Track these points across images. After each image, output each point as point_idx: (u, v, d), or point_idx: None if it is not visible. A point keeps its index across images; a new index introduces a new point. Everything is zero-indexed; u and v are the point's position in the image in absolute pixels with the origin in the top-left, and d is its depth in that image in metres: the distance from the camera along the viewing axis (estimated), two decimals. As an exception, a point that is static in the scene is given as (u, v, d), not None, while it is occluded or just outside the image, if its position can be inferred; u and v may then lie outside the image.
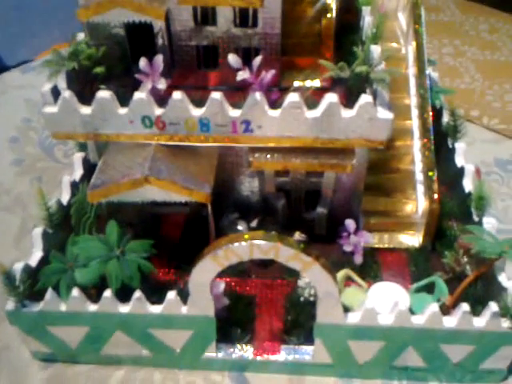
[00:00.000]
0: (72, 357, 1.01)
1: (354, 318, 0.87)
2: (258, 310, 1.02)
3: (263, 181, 1.10)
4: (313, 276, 0.80)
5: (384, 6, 1.24)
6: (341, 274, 0.99)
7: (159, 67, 0.96)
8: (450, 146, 1.24)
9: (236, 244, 0.77)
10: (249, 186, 1.13)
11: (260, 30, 1.01)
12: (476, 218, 1.06)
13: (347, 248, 1.06)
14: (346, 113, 0.95)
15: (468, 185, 1.14)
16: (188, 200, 0.97)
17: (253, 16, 1.01)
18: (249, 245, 0.76)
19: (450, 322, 0.88)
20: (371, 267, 1.08)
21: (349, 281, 1.02)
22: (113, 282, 0.90)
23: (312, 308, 0.91)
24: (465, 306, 0.87)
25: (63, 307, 0.91)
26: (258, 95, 0.94)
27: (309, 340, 0.95)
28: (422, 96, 1.17)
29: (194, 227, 1.13)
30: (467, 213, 1.11)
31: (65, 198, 1.10)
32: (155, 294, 0.94)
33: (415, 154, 1.18)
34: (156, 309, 0.90)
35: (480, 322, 0.88)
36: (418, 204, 1.14)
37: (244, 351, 0.96)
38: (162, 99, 0.98)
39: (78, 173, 1.17)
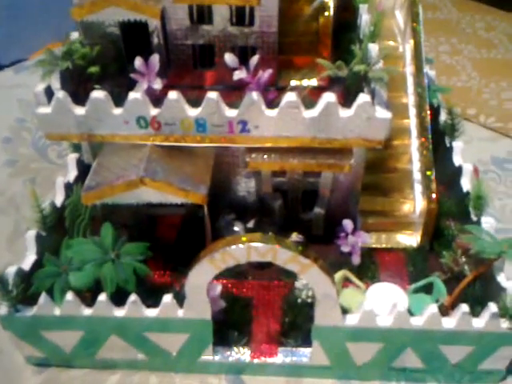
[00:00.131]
0: (66, 361, 1.00)
1: (352, 320, 0.87)
2: (254, 312, 1.01)
3: (260, 181, 1.09)
4: (311, 278, 0.79)
5: (382, 3, 1.22)
6: (338, 275, 0.99)
7: (155, 67, 0.95)
8: (448, 145, 1.23)
9: (233, 247, 0.76)
10: (245, 187, 1.12)
11: (257, 28, 1.00)
12: (474, 218, 1.06)
13: (345, 248, 1.06)
14: (344, 112, 0.94)
15: (466, 184, 1.13)
16: (184, 201, 0.96)
17: (249, 14, 1.00)
18: (246, 247, 0.75)
19: (449, 323, 0.88)
20: (369, 268, 1.07)
21: (347, 282, 1.02)
22: (108, 285, 0.89)
23: (310, 310, 0.90)
24: (464, 307, 0.86)
25: (57, 312, 0.89)
26: (254, 95, 0.93)
27: (306, 342, 0.94)
28: (419, 95, 1.17)
29: (190, 228, 1.12)
30: (465, 212, 1.10)
31: (59, 199, 1.08)
32: (151, 297, 0.93)
33: (413, 153, 1.18)
34: (152, 312, 0.89)
35: (479, 323, 0.87)
36: (415, 203, 1.13)
37: (241, 354, 0.95)
38: (157, 99, 0.96)
39: (72, 174, 1.15)
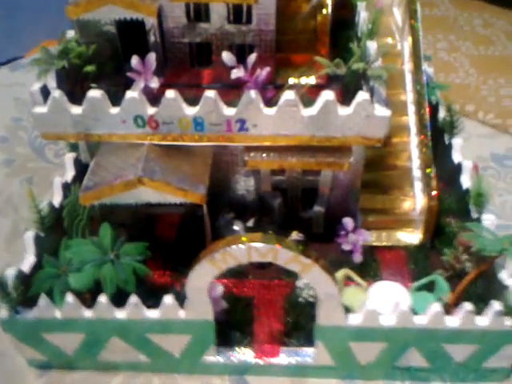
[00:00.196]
0: (69, 364, 0.99)
1: (355, 320, 0.86)
2: (256, 312, 1.00)
3: (259, 180, 1.08)
4: (312, 278, 0.78)
5: (380, 1, 1.22)
6: (340, 274, 0.98)
7: (152, 65, 0.94)
8: (447, 142, 1.22)
9: (233, 247, 0.75)
10: (244, 185, 1.11)
11: (254, 26, 1.00)
12: (475, 215, 1.05)
13: (346, 247, 1.05)
14: (343, 110, 0.93)
15: (466, 181, 1.13)
16: (183, 201, 0.95)
17: (247, 12, 0.99)
18: (247, 248, 0.75)
19: (453, 321, 0.87)
20: (370, 266, 1.06)
21: (348, 280, 1.01)
22: (107, 286, 0.88)
23: (312, 309, 0.89)
24: (467, 306, 0.85)
25: (58, 314, 0.89)
26: (252, 93, 0.92)
27: (309, 341, 0.93)
28: (418, 92, 1.16)
29: (190, 227, 1.11)
30: (465, 209, 1.09)
31: (56, 199, 1.07)
32: (151, 298, 0.92)
33: (412, 151, 1.17)
34: (153, 314, 0.88)
35: (483, 322, 0.87)
36: (415, 201, 1.13)
37: (244, 354, 0.95)
38: (154, 98, 0.96)
39: (70, 174, 1.14)
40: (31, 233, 0.97)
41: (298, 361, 0.94)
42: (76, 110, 0.94)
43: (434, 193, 1.04)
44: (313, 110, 0.93)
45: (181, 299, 0.88)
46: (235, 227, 1.08)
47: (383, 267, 1.07)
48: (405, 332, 0.87)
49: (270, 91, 0.98)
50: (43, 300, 0.87)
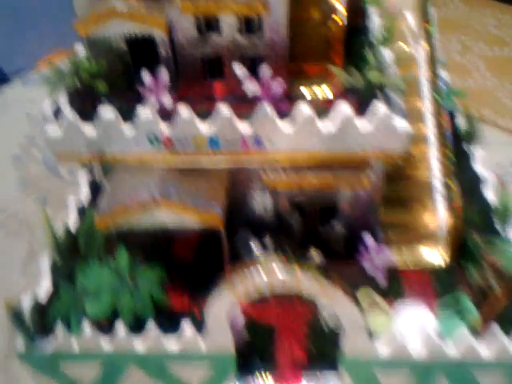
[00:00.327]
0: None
1: (382, 350, 0.83)
2: (277, 337, 0.97)
3: (276, 197, 1.06)
4: (337, 306, 0.75)
5: (394, 5, 1.19)
6: (362, 296, 0.95)
7: (164, 82, 0.92)
8: (466, 151, 1.19)
9: (254, 275, 0.72)
10: (261, 203, 1.09)
11: (266, 37, 0.97)
12: (500, 230, 1.01)
13: (367, 266, 1.01)
14: (362, 125, 0.90)
15: (489, 193, 1.10)
16: (200, 224, 0.93)
17: (258, 23, 0.97)
18: (267, 275, 0.72)
19: (484, 350, 0.83)
20: (392, 285, 1.02)
21: (371, 302, 0.98)
22: (125, 315, 0.86)
23: (334, 334, 0.87)
24: (498, 332, 0.82)
25: (75, 344, 0.87)
26: (267, 108, 0.90)
27: (332, 367, 0.90)
28: (436, 100, 1.13)
29: (207, 246, 1.08)
30: (489, 223, 1.06)
31: (71, 221, 1.05)
32: (169, 323, 0.90)
33: (431, 161, 1.14)
34: (172, 344, 0.86)
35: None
36: (437, 215, 1.09)
37: (265, 381, 0.92)
38: (168, 114, 0.94)
39: (84, 193, 1.12)
40: (46, 258, 0.95)
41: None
42: (89, 130, 0.92)
43: (458, 208, 1.00)
44: (330, 126, 0.90)
45: (199, 324, 0.86)
46: (252, 246, 1.05)
47: (406, 286, 1.03)
48: (434, 361, 0.84)
49: (284, 104, 0.95)
50: (60, 329, 0.85)
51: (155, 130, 0.92)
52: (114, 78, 0.98)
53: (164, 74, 0.92)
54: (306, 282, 0.73)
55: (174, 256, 1.11)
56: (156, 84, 0.92)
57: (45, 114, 0.93)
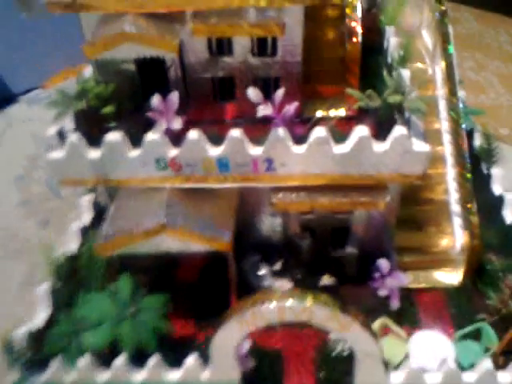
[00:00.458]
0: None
1: (397, 380, 0.78)
2: (285, 366, 0.92)
3: (287, 220, 1.02)
4: (351, 336, 0.71)
5: (409, 24, 1.16)
6: (377, 324, 0.91)
7: (174, 105, 0.89)
8: (485, 172, 1.15)
9: (264, 306, 0.69)
10: (270, 226, 1.05)
11: (280, 58, 0.95)
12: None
13: (382, 292, 0.97)
14: (379, 146, 0.87)
15: (508, 215, 1.06)
16: (207, 250, 0.89)
17: (272, 44, 0.94)
18: (278, 307, 0.68)
19: (505, 378, 0.79)
20: (408, 310, 0.99)
21: (386, 328, 0.93)
22: (126, 347, 0.82)
23: (346, 363, 0.82)
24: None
25: (72, 378, 0.83)
26: (280, 131, 0.87)
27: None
28: (454, 120, 1.09)
29: (213, 270, 1.05)
30: (507, 245, 1.02)
31: (73, 247, 1.02)
32: (173, 352, 0.86)
33: (449, 183, 1.10)
34: (175, 375, 0.82)
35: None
36: (454, 238, 1.05)
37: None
38: (177, 137, 0.91)
39: (87, 217, 1.09)
40: (45, 286, 0.92)
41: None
42: (94, 154, 0.90)
43: (476, 231, 0.97)
44: (346, 147, 0.87)
45: (204, 353, 0.82)
46: (261, 271, 1.02)
47: (422, 312, 0.99)
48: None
49: (299, 127, 0.92)
50: (56, 363, 0.81)
51: (163, 153, 0.89)
52: (122, 100, 0.95)
53: (173, 97, 0.89)
54: (320, 314, 0.69)
55: (178, 279, 1.08)
56: (165, 106, 0.90)
57: (49, 139, 0.90)
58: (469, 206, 1.01)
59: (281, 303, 0.68)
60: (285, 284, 0.99)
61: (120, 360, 0.81)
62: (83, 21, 0.91)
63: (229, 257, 0.93)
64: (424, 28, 1.30)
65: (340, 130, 0.92)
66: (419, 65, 1.25)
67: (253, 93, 0.89)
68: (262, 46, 0.94)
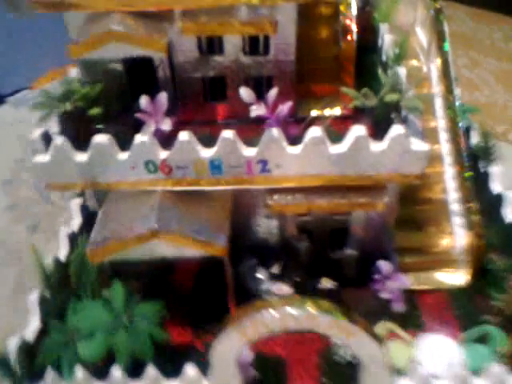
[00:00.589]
0: None
1: (403, 385, 0.76)
2: (288, 371, 0.89)
3: (283, 222, 0.99)
4: (356, 344, 0.68)
5: (404, 21, 1.14)
6: (381, 328, 0.88)
7: (163, 106, 0.86)
8: (482, 170, 1.13)
9: (265, 314, 0.65)
10: (267, 228, 1.03)
11: (272, 57, 0.92)
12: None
13: (384, 295, 0.94)
14: (376, 146, 0.84)
15: (508, 213, 1.03)
16: (202, 255, 0.86)
17: (264, 43, 0.92)
18: (280, 314, 0.65)
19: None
20: (411, 313, 0.96)
21: (391, 333, 0.90)
22: (121, 357, 0.78)
23: (350, 367, 0.79)
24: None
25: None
26: (274, 132, 0.84)
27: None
28: (451, 118, 1.07)
29: (209, 274, 1.01)
30: (509, 243, 1.00)
31: (62, 253, 0.99)
32: (171, 363, 0.83)
33: (447, 182, 1.07)
34: (173, 385, 0.79)
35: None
36: (455, 238, 1.03)
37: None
38: (167, 139, 0.88)
39: (76, 222, 1.06)
40: (35, 294, 0.89)
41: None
42: (81, 157, 0.87)
43: (480, 231, 0.94)
44: (343, 147, 0.85)
45: (203, 362, 0.79)
46: (259, 275, 0.99)
47: (425, 314, 0.96)
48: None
49: (293, 127, 0.89)
50: (50, 374, 0.78)
51: (153, 155, 0.86)
52: (109, 101, 0.92)
53: (162, 97, 0.86)
54: (322, 321, 0.66)
55: (173, 284, 1.04)
56: (154, 107, 0.87)
57: (34, 143, 0.86)
58: (471, 205, 0.98)
59: (282, 311, 0.65)
60: (283, 288, 0.96)
61: (116, 371, 0.78)
62: (67, 19, 0.87)
63: (225, 261, 0.89)
64: (418, 25, 1.28)
65: (335, 130, 0.90)
66: (414, 62, 1.23)
67: (245, 92, 0.86)
68: (254, 45, 0.92)
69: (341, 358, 0.87)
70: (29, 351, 0.82)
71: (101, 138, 0.85)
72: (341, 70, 0.96)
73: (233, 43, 0.90)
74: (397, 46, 0.99)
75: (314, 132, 0.84)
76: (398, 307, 0.95)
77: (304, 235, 1.00)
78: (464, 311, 0.96)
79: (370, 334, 0.67)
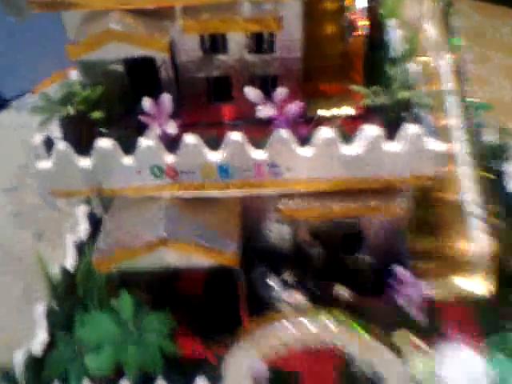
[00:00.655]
0: None
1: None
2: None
3: (295, 227, 0.96)
4: (376, 358, 0.65)
5: (411, 17, 1.10)
6: (399, 339, 0.84)
7: (167, 108, 0.83)
8: (496, 168, 1.10)
9: (279, 326, 0.62)
10: (278, 233, 0.99)
11: (278, 55, 0.89)
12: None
13: (402, 303, 0.90)
14: (391, 147, 0.81)
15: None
16: (212, 264, 0.83)
17: (269, 40, 0.89)
18: (296, 327, 0.62)
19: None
20: (430, 322, 0.91)
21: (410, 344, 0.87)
22: (130, 370, 0.75)
23: (370, 381, 0.76)
24: None
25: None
26: (284, 133, 0.81)
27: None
28: (464, 116, 1.03)
29: (219, 280, 0.97)
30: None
31: (69, 262, 0.96)
32: (182, 376, 0.79)
33: (462, 182, 1.04)
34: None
35: None
36: (472, 241, 0.99)
37: None
38: (172, 142, 0.85)
39: (83, 229, 1.03)
40: (42, 306, 0.86)
41: None
42: (85, 162, 0.84)
43: (497, 232, 0.91)
44: (356, 148, 0.81)
45: (214, 375, 0.76)
46: (270, 282, 0.95)
47: (446, 323, 0.92)
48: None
49: (303, 128, 0.86)
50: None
51: (158, 160, 0.83)
52: (111, 104, 0.89)
53: (166, 99, 0.83)
54: (340, 335, 0.63)
55: (182, 292, 1.00)
56: (158, 109, 0.84)
57: (35, 148, 0.83)
58: (487, 205, 0.95)
59: (297, 323, 0.62)
60: (295, 295, 0.93)
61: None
62: (65, 19, 0.84)
63: (237, 271, 0.86)
64: (425, 20, 1.24)
65: (345, 130, 0.86)
66: (422, 58, 1.19)
67: (251, 92, 0.83)
68: (259, 43, 0.89)
69: (359, 373, 0.83)
70: (35, 364, 0.80)
71: (104, 142, 0.82)
72: (349, 67, 0.93)
73: (237, 41, 0.87)
74: (407, 41, 0.96)
75: (326, 133, 0.80)
76: (417, 316, 0.90)
77: (316, 240, 0.97)
78: (487, 320, 0.92)
79: (389, 347, 0.64)
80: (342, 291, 0.93)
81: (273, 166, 0.83)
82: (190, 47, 0.88)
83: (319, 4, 0.97)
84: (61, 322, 0.87)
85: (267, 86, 0.90)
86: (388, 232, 0.96)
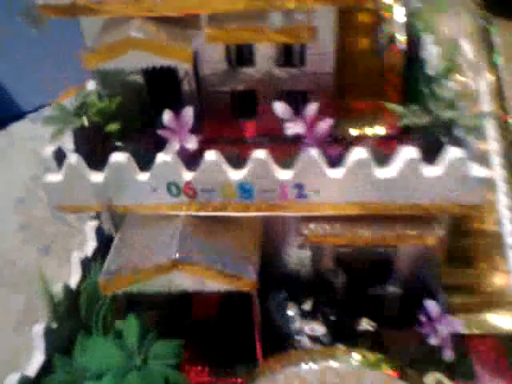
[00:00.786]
0: None
1: None
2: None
3: (318, 253, 0.89)
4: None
5: (447, 33, 1.05)
6: (430, 380, 0.77)
7: (188, 122, 0.77)
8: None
9: (303, 367, 0.55)
10: (299, 259, 0.93)
11: (308, 69, 0.84)
12: None
13: (431, 340, 0.83)
14: (430, 171, 0.74)
15: None
16: (228, 289, 0.76)
17: (300, 53, 0.83)
18: (321, 368, 0.55)
19: None
20: (461, 361, 0.85)
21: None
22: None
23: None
24: None
25: None
26: (313, 152, 0.74)
27: None
28: (506, 141, 0.96)
29: (233, 305, 0.92)
30: None
31: (74, 280, 0.90)
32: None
33: (502, 212, 0.96)
34: None
35: None
36: (510, 275, 0.91)
37: None
38: (191, 158, 0.79)
39: (91, 246, 0.97)
40: (40, 326, 0.80)
41: None
42: (97, 177, 0.79)
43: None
44: (391, 172, 0.74)
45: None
46: (289, 311, 0.88)
47: (477, 362, 0.85)
48: None
49: (333, 148, 0.80)
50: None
51: (176, 177, 0.77)
52: (128, 116, 0.84)
53: (187, 112, 0.78)
54: (370, 378, 0.56)
55: (193, 317, 0.96)
56: (178, 123, 0.78)
57: (46, 161, 0.78)
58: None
59: (322, 364, 0.55)
60: (316, 327, 0.86)
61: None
62: (83, 26, 0.80)
63: (253, 297, 0.80)
64: (463, 37, 1.18)
65: (381, 151, 0.80)
66: (460, 77, 1.13)
67: (280, 108, 0.77)
68: (289, 55, 0.84)
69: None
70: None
71: (119, 157, 0.77)
72: (384, 84, 0.87)
73: (265, 53, 0.82)
74: (445, 58, 0.90)
75: (359, 153, 0.74)
76: (448, 354, 0.83)
77: (340, 268, 0.90)
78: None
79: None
80: (368, 325, 0.85)
81: (299, 187, 0.77)
82: (214, 58, 0.84)
83: (354, 16, 0.92)
84: (60, 345, 0.81)
85: (295, 103, 0.84)
86: (420, 262, 0.88)
